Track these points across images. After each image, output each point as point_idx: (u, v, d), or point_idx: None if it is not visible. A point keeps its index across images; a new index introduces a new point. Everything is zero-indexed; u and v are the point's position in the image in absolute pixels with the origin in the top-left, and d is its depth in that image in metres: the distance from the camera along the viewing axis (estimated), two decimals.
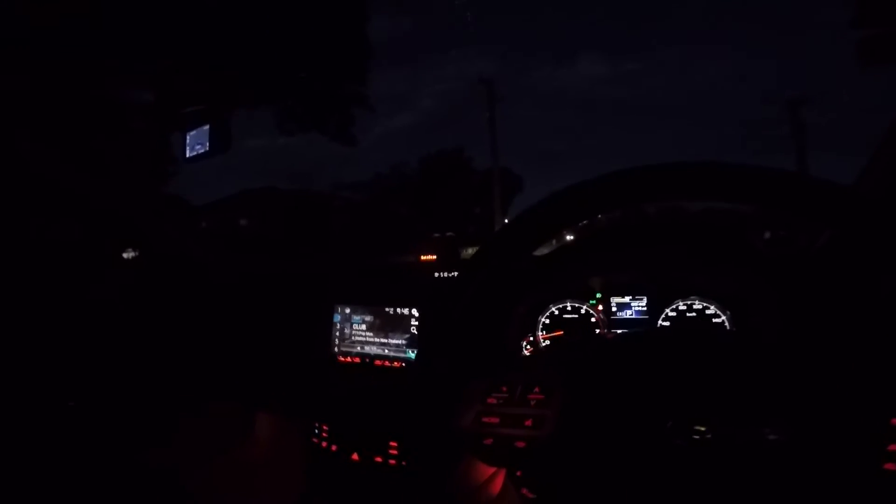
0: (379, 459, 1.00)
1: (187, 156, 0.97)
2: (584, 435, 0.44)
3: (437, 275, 1.23)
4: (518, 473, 0.50)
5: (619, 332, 1.03)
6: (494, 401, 0.49)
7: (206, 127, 0.94)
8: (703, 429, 0.41)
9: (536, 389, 0.48)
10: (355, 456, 1.02)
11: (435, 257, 1.32)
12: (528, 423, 0.46)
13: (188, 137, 0.98)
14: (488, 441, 0.47)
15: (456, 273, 1.20)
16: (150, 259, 1.51)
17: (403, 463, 0.99)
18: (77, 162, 1.17)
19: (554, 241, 0.73)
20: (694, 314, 0.99)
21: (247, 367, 1.27)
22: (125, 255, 1.61)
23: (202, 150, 0.93)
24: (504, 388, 0.49)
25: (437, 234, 1.45)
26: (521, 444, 0.45)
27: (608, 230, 0.83)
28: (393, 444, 1.00)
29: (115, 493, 1.19)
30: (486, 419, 0.48)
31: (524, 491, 0.49)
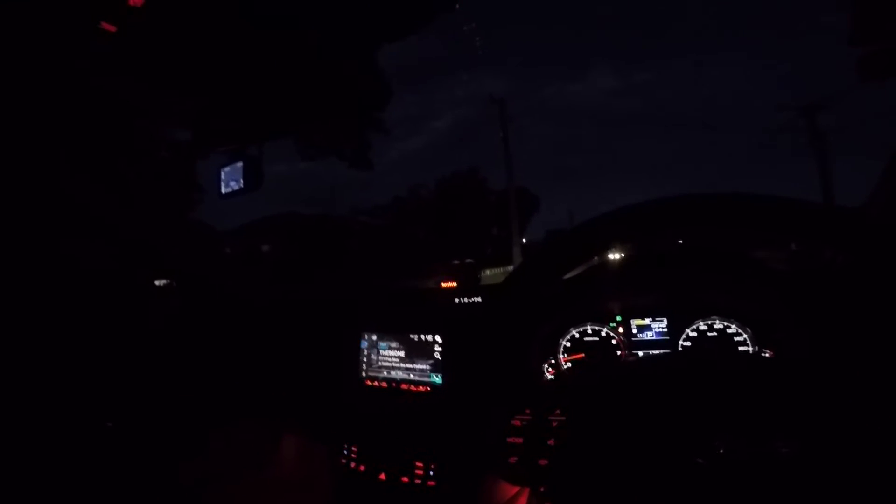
0: (405, 480, 1.03)
1: (223, 192, 1.03)
2: (605, 454, 0.47)
3: (457, 300, 1.27)
4: (542, 489, 0.53)
5: (639, 353, 1.05)
6: (519, 422, 0.52)
7: (240, 164, 0.99)
8: (724, 447, 0.43)
9: (557, 412, 0.51)
10: (382, 476, 1.05)
11: (455, 284, 1.37)
12: (551, 442, 0.49)
13: (223, 174, 1.03)
14: (513, 460, 0.50)
15: (477, 299, 1.24)
16: (182, 286, 1.58)
17: (430, 483, 1.01)
18: (107, 190, 1.26)
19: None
20: (714, 334, 1.00)
21: (277, 390, 1.32)
22: (158, 283, 1.69)
23: (237, 188, 0.99)
24: (527, 410, 0.53)
25: (456, 261, 1.50)
26: (543, 462, 0.48)
27: (629, 254, 0.86)
28: (419, 464, 1.03)
29: None
30: (511, 439, 0.51)
31: None
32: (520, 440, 0.51)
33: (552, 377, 1.05)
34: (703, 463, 0.43)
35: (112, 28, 0.66)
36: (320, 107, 0.87)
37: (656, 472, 0.45)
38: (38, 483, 1.09)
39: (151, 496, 1.26)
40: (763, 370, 0.56)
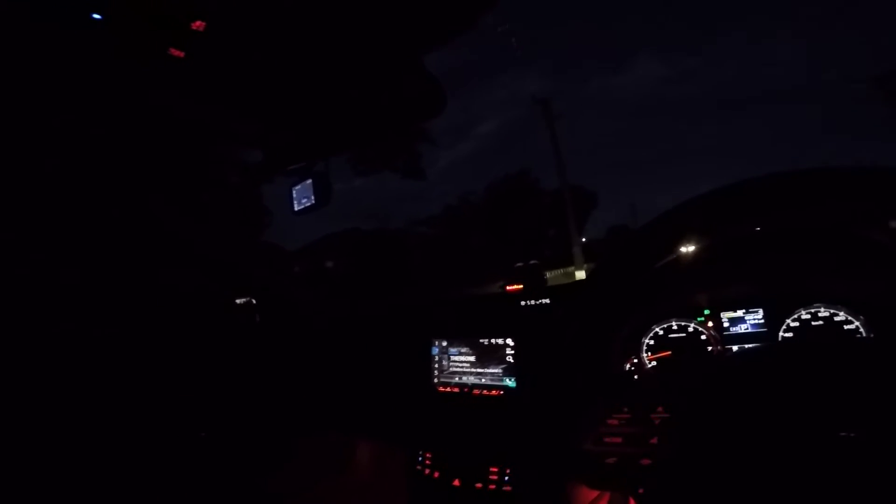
0: (479, 486, 1.02)
1: (295, 209, 1.08)
2: (715, 451, 0.43)
3: (523, 303, 1.23)
4: (640, 491, 0.49)
5: (734, 348, 0.96)
6: (616, 421, 0.49)
7: (309, 181, 1.04)
8: (840, 437, 0.39)
9: (660, 409, 0.47)
10: (456, 482, 1.04)
11: (522, 287, 1.33)
12: (654, 440, 0.45)
13: (294, 192, 1.08)
14: (611, 460, 0.47)
15: (546, 301, 1.20)
16: (262, 303, 1.68)
17: (505, 488, 0.99)
18: (191, 217, 1.36)
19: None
20: (820, 322, 0.90)
21: (354, 400, 1.36)
22: (238, 301, 1.81)
23: (309, 204, 1.04)
24: (625, 409, 0.49)
25: (520, 264, 1.46)
26: (646, 462, 0.45)
27: (716, 242, 0.80)
28: (493, 469, 1.01)
29: None
30: (608, 439, 0.48)
31: None
32: (619, 439, 0.47)
33: (637, 377, 0.99)
34: (820, 455, 0.38)
35: (180, 54, 0.70)
36: (381, 118, 0.89)
37: (771, 466, 0.40)
38: (142, 490, 1.19)
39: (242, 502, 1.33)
40: (879, 353, 0.48)
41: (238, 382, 1.45)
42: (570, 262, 10.38)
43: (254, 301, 1.73)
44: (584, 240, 11.55)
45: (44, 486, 1.04)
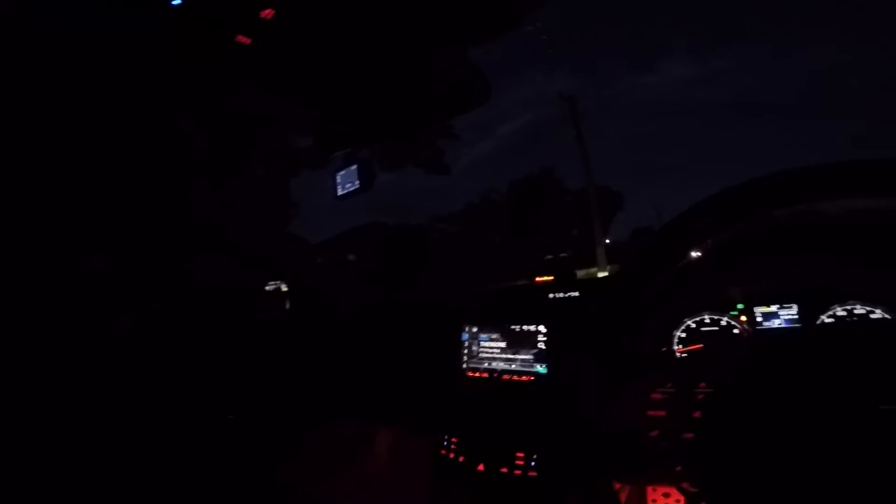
0: (504, 470, 1.04)
1: (339, 194, 1.12)
2: (758, 426, 0.44)
3: (551, 295, 1.25)
4: (678, 469, 0.51)
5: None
6: (660, 396, 0.51)
7: (354, 167, 1.09)
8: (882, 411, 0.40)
9: (702, 385, 0.49)
10: (481, 467, 1.07)
11: (552, 278, 1.35)
12: (697, 414, 0.47)
13: (338, 177, 1.12)
14: (654, 433, 0.49)
15: (574, 293, 1.22)
16: (292, 290, 1.73)
17: (530, 473, 1.01)
18: (224, 203, 1.40)
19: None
20: (856, 320, 0.89)
21: (381, 385, 1.39)
22: (267, 288, 1.86)
23: (352, 188, 1.08)
24: (669, 385, 0.51)
25: (549, 256, 1.48)
26: (689, 436, 0.47)
27: (752, 235, 0.80)
28: (520, 454, 1.03)
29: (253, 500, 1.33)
30: (651, 413, 0.50)
31: (685, 486, 0.49)
32: (663, 413, 0.50)
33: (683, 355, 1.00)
34: (872, 425, 0.40)
35: (247, 41, 0.73)
36: (428, 107, 0.93)
37: (813, 440, 0.42)
38: (171, 468, 1.22)
39: (257, 490, 1.36)
40: None
41: (267, 367, 1.48)
42: (592, 262, 10.26)
43: (283, 288, 1.78)
44: (607, 241, 11.39)
45: (84, 461, 1.08)
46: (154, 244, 1.51)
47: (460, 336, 1.27)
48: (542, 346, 1.12)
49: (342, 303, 1.59)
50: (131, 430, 1.17)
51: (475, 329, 1.25)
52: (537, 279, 1.38)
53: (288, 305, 1.74)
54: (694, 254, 0.85)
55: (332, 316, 1.56)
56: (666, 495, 0.55)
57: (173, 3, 0.67)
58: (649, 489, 0.61)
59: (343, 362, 1.45)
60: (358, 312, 1.56)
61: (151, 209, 1.25)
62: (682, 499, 0.51)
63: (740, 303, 0.99)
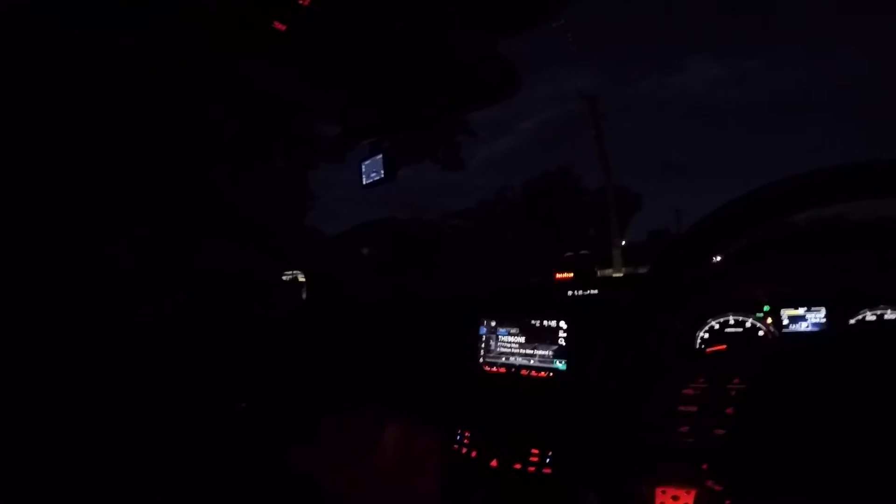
0: (518, 466, 1.03)
1: (364, 183, 1.14)
2: (794, 424, 0.44)
3: (570, 293, 1.24)
4: (704, 467, 0.50)
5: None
6: (691, 391, 0.51)
7: (379, 156, 1.10)
8: None
9: (736, 381, 0.49)
10: (494, 463, 1.07)
11: (572, 275, 1.34)
12: (729, 411, 0.47)
13: (363, 166, 1.13)
14: (684, 429, 0.49)
15: (594, 291, 1.21)
16: (310, 279, 1.74)
17: (545, 471, 1.00)
18: (245, 192, 1.40)
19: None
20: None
21: (396, 377, 1.40)
22: (284, 277, 1.88)
23: (377, 178, 1.10)
24: (701, 380, 0.51)
25: (570, 253, 1.47)
26: (719, 432, 0.46)
27: (780, 235, 0.79)
28: (534, 451, 1.03)
29: (263, 489, 1.34)
30: (683, 408, 0.50)
31: (709, 483, 0.49)
32: (694, 408, 0.49)
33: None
34: None
35: (283, 27, 0.74)
36: (456, 98, 0.93)
37: (847, 438, 0.41)
38: (186, 453, 1.23)
39: (269, 477, 1.37)
40: None
41: (283, 356, 1.47)
42: (608, 264, 10.15)
43: (300, 278, 1.80)
44: (623, 243, 11.26)
45: (99, 448, 1.10)
46: (177, 232, 1.53)
47: (478, 330, 1.27)
48: (562, 342, 1.11)
49: (361, 294, 1.60)
50: (142, 419, 1.18)
51: (493, 323, 1.25)
52: (558, 276, 1.37)
53: (304, 295, 1.76)
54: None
55: (350, 307, 1.57)
56: (675, 498, 0.55)
57: None
58: (658, 491, 0.60)
59: (359, 353, 1.46)
60: (376, 304, 1.57)
61: (176, 196, 1.27)
62: (689, 502, 0.50)
63: (766, 304, 0.97)
